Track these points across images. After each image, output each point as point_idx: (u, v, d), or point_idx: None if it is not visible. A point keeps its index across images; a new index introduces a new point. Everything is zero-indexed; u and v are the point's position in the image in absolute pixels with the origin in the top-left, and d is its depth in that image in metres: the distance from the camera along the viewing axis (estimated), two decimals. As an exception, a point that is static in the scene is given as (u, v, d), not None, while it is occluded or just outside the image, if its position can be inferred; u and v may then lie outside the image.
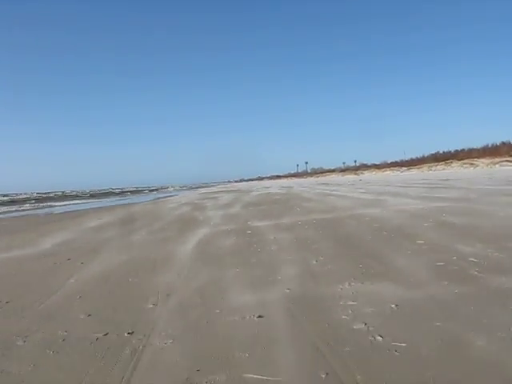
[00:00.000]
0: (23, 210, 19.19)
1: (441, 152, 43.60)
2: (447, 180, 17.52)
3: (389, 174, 44.61)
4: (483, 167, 32.47)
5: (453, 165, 37.99)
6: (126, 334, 2.26)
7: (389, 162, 51.74)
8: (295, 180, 58.80)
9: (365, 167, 56.18)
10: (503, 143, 35.21)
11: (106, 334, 2.28)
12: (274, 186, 31.17)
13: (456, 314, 2.19)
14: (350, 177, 47.23)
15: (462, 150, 40.48)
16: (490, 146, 37.24)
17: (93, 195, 42.55)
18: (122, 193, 45.71)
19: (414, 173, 39.27)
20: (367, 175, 47.31)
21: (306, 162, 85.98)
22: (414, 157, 47.31)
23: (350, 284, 2.83)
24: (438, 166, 39.62)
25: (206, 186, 76.42)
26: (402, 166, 45.74)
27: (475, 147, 38.62)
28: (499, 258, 3.19)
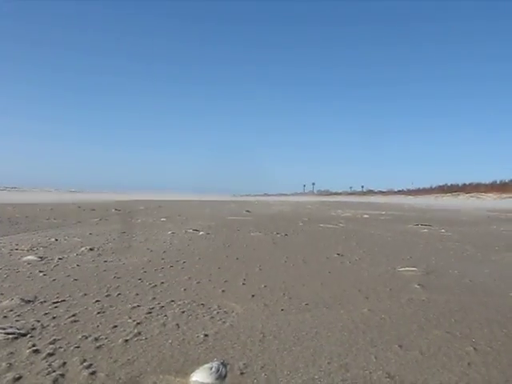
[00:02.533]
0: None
1: (448, 184, 43.82)
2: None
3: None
4: (489, 201, 32.47)
5: (460, 197, 38.02)
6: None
7: (395, 190, 51.85)
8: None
9: (371, 193, 56.32)
10: (512, 181, 35.37)
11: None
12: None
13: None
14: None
15: (470, 184, 40.67)
16: (498, 182, 37.47)
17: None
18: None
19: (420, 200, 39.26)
20: (373, 199, 47.33)
21: (313, 183, 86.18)
22: (420, 187, 47.45)
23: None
24: (445, 197, 39.63)
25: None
26: (409, 195, 45.77)
27: (483, 182, 38.89)
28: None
